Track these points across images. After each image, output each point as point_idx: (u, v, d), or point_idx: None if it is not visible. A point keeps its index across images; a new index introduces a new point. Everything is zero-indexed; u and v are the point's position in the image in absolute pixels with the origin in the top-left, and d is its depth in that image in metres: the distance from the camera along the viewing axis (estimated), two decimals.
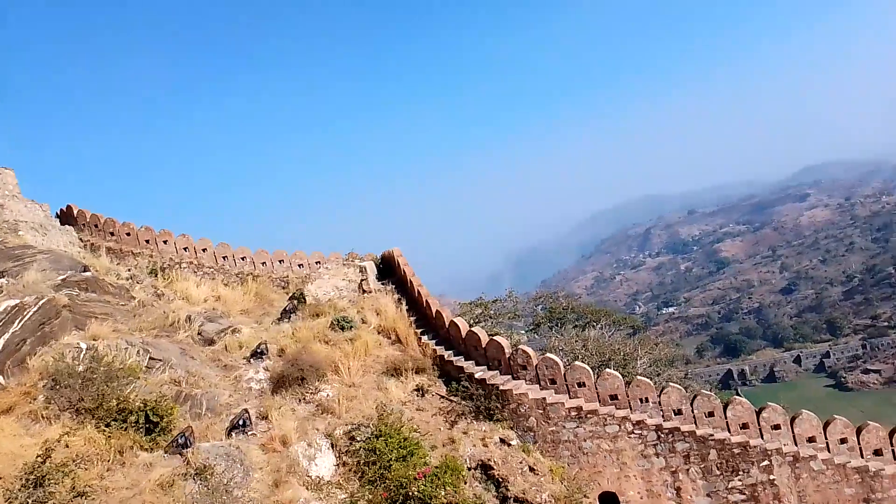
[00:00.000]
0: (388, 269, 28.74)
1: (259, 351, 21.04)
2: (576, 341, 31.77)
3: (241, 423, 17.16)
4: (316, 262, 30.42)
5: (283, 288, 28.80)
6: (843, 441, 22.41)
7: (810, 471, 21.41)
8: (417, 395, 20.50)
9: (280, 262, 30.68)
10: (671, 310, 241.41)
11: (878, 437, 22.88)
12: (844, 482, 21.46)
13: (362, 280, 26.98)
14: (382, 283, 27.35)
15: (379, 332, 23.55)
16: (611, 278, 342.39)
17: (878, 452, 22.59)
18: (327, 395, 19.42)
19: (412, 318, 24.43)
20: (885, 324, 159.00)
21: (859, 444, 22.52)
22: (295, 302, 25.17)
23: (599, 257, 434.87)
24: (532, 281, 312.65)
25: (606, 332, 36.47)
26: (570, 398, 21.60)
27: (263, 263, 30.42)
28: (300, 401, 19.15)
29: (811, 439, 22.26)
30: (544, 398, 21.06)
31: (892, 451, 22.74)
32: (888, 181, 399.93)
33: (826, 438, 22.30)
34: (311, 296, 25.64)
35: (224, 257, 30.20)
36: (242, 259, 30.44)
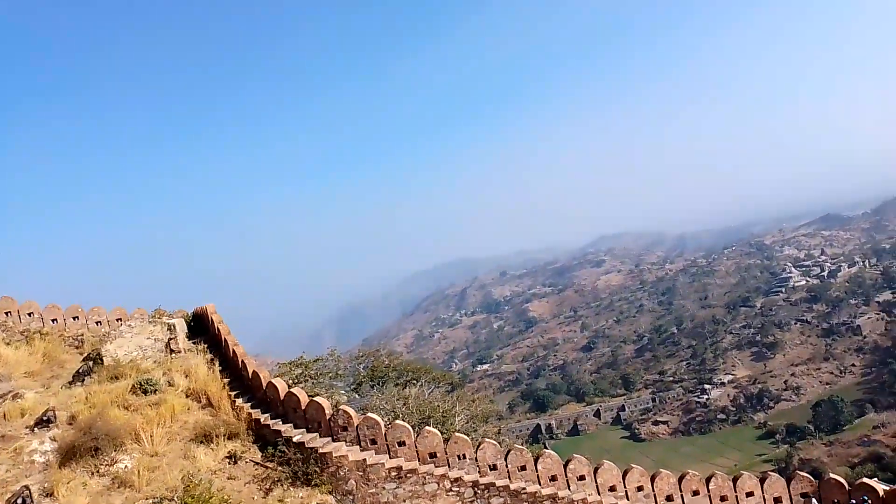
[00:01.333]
0: (201, 328, 27.01)
1: (45, 419, 18.65)
2: (397, 399, 31.71)
3: (19, 502, 14.97)
4: (117, 319, 27.89)
5: (77, 348, 25.96)
6: (639, 489, 24.29)
7: None
8: (230, 463, 19.17)
9: (74, 318, 27.75)
10: (485, 366, 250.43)
11: (669, 483, 25.13)
12: None
13: (170, 339, 25.05)
14: (194, 343, 25.60)
15: (188, 396, 21.87)
16: (430, 336, 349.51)
17: (669, 498, 24.74)
18: (125, 466, 17.56)
19: (226, 380, 23.02)
20: (671, 378, 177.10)
21: (654, 490, 24.54)
22: (90, 363, 22.73)
23: (419, 315, 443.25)
24: (354, 338, 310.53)
25: (426, 389, 36.83)
26: (390, 458, 21.38)
27: (54, 320, 27.32)
28: (93, 474, 17.12)
29: (612, 488, 23.89)
30: (364, 459, 20.66)
31: (682, 496, 25.04)
32: (670, 250, 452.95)
33: (625, 486, 24.05)
34: (109, 356, 23.29)
35: (7, 313, 26.72)
36: (29, 315, 27.13)
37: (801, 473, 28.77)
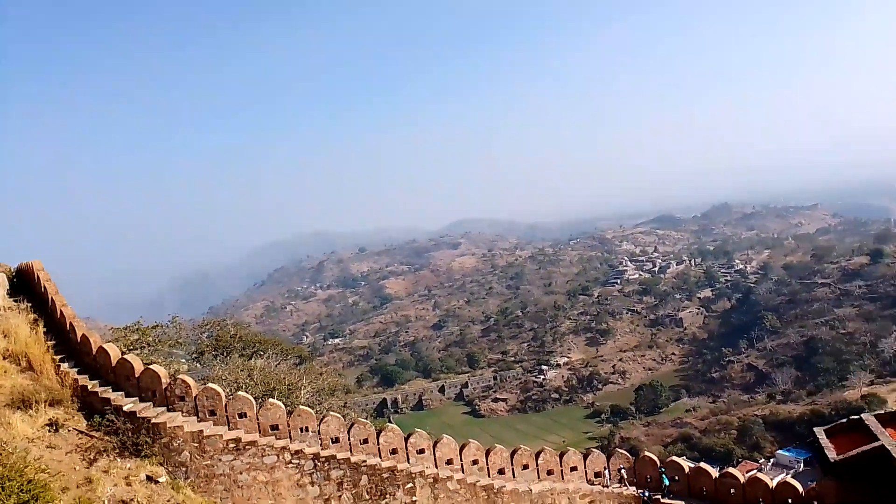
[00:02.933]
0: (25, 286, 24.72)
1: None
2: (241, 371, 30.92)
3: None
4: None
5: None
6: (475, 462, 25.52)
7: (447, 490, 23.83)
8: (50, 431, 17.86)
9: None
10: (337, 341, 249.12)
11: (503, 457, 26.60)
12: (473, 499, 24.35)
13: None
14: (16, 301, 23.40)
15: (5, 358, 20.02)
16: (282, 308, 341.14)
17: (501, 471, 26.20)
18: None
19: (51, 343, 21.30)
20: (513, 359, 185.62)
21: (487, 464, 25.89)
22: None
23: (271, 287, 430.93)
24: (199, 307, 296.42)
25: (273, 361, 36.18)
26: (229, 430, 20.91)
27: None
28: None
29: (450, 461, 24.92)
30: (201, 431, 20.05)
31: (512, 469, 26.60)
32: (521, 238, 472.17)
33: (462, 460, 25.18)
34: None
35: None
36: None
37: (620, 451, 31.56)
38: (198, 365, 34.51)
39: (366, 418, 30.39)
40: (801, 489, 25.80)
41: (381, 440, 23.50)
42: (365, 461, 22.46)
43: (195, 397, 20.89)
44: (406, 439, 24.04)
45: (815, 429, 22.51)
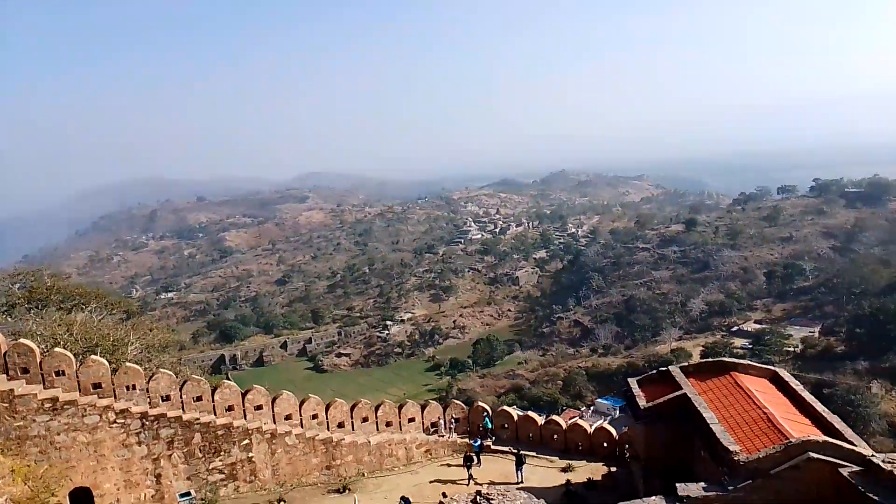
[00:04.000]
0: None
1: None
2: (59, 326, 28.43)
3: None
4: None
5: None
6: (314, 416, 25.56)
7: (285, 445, 23.72)
8: None
9: None
10: (170, 295, 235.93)
11: (342, 411, 26.85)
12: (312, 453, 24.44)
13: None
14: None
15: None
16: (108, 259, 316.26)
17: (341, 425, 26.46)
18: None
19: None
20: (358, 314, 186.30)
21: (327, 418, 26.03)
22: None
23: (96, 235, 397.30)
24: (11, 256, 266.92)
25: (97, 316, 33.62)
26: (45, 388, 19.33)
27: None
28: None
29: (289, 416, 24.76)
30: (12, 390, 18.37)
31: (352, 422, 26.94)
32: (370, 195, 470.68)
33: (301, 415, 25.11)
34: None
35: None
36: None
37: (455, 401, 33.04)
38: (8, 319, 31.29)
39: (201, 375, 29.27)
40: (615, 433, 28.48)
41: (216, 397, 22.83)
42: (198, 419, 21.74)
43: (5, 354, 19.05)
44: (243, 396, 23.54)
45: (629, 379, 24.78)
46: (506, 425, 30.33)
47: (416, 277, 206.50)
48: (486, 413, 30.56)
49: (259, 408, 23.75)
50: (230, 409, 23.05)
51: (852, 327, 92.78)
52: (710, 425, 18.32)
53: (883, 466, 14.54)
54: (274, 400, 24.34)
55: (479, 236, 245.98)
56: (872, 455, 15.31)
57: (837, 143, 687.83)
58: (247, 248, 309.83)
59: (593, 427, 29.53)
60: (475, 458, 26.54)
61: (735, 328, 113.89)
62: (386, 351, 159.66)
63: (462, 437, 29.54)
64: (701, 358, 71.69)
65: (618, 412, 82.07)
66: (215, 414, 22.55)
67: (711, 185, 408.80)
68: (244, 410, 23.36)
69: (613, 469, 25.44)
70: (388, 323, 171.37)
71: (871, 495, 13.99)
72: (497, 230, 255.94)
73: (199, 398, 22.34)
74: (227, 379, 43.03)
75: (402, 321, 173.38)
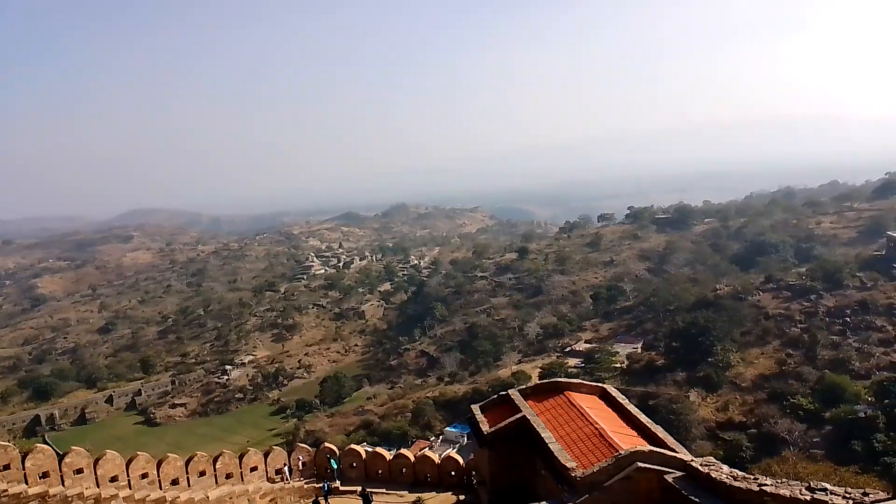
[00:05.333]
0: None
1: None
2: None
3: None
4: None
5: None
6: (144, 476, 23.58)
7: None
8: None
9: None
10: None
11: (176, 466, 25.00)
12: None
13: None
14: None
15: None
16: None
17: (175, 482, 24.61)
18: None
19: None
20: (193, 360, 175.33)
21: (159, 476, 24.11)
22: None
23: None
24: None
25: None
26: None
27: None
28: None
29: (115, 478, 22.65)
30: None
31: (188, 478, 25.15)
32: (204, 232, 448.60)
33: (129, 475, 23.06)
34: None
35: None
36: None
37: (301, 445, 32.06)
38: None
39: (12, 440, 26.19)
40: (462, 461, 29.01)
41: (27, 464, 20.44)
42: (6, 490, 19.32)
43: None
44: (60, 459, 21.26)
45: (472, 406, 25.46)
46: (354, 464, 29.89)
47: (256, 317, 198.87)
48: (329, 455, 29.91)
49: (80, 471, 21.56)
50: (45, 475, 20.73)
51: (669, 342, 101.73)
52: (549, 444, 19.24)
53: (701, 470, 16.03)
54: (97, 461, 22.23)
55: (323, 271, 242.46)
56: (692, 460, 16.84)
57: (645, 173, 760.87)
58: (63, 294, 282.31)
59: (441, 457, 29.90)
60: (324, 502, 25.82)
61: (568, 349, 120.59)
62: (226, 397, 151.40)
63: (309, 482, 28.69)
64: (539, 379, 75.04)
65: (466, 439, 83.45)
66: (27, 482, 20.17)
67: (540, 214, 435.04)
68: (62, 476, 21.11)
69: (462, 497, 25.87)
70: (228, 367, 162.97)
71: (692, 497, 15.35)
72: (341, 264, 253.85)
73: (6, 467, 19.89)
74: (44, 442, 38.75)
75: (243, 364, 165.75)
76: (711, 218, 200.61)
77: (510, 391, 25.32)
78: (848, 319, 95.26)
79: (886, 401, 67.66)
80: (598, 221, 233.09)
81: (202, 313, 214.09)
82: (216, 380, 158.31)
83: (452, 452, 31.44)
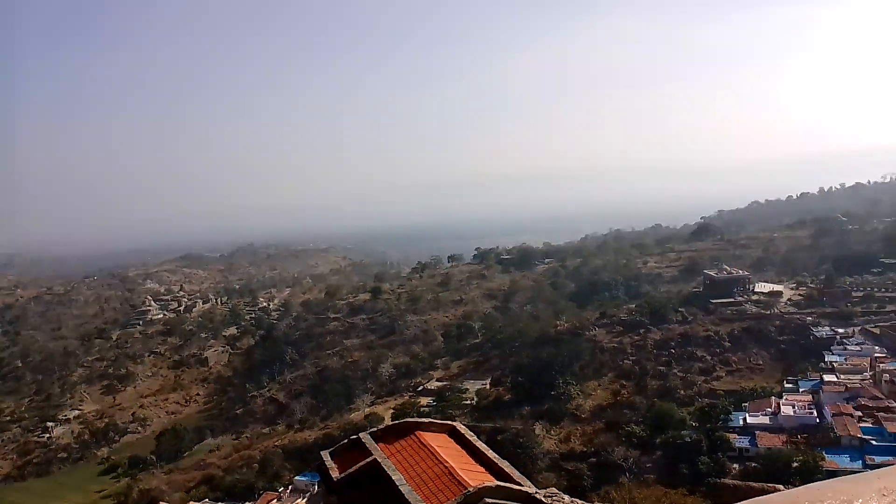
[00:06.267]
0: None
1: None
2: None
3: None
4: None
5: None
6: None
7: None
8: None
9: None
10: None
11: None
12: None
13: None
14: None
15: None
16: None
17: None
18: None
19: None
20: (8, 418, 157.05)
21: None
22: None
23: None
24: None
25: None
26: None
27: None
28: None
29: None
30: None
31: None
32: (22, 274, 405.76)
33: None
34: None
35: None
36: None
37: None
38: None
39: None
40: None
41: None
42: None
43: None
44: None
45: (322, 452, 25.03)
46: None
47: (84, 368, 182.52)
48: None
49: None
50: None
51: (515, 377, 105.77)
52: (399, 487, 19.37)
53: (544, 501, 16.83)
54: None
55: (161, 316, 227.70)
56: (536, 492, 17.65)
57: (492, 215, 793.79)
58: None
59: None
60: None
61: (421, 388, 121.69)
62: (47, 458, 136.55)
63: None
64: (392, 420, 75.02)
65: (316, 487, 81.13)
66: None
67: (392, 254, 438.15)
68: None
69: None
70: (50, 424, 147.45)
71: None
72: (182, 308, 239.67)
73: None
74: None
75: (68, 420, 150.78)
76: (551, 258, 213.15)
77: (361, 434, 25.17)
78: (673, 351, 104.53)
79: (708, 425, 74.43)
80: (448, 262, 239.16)
81: (20, 365, 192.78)
82: (35, 438, 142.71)
83: (302, 502, 30.55)
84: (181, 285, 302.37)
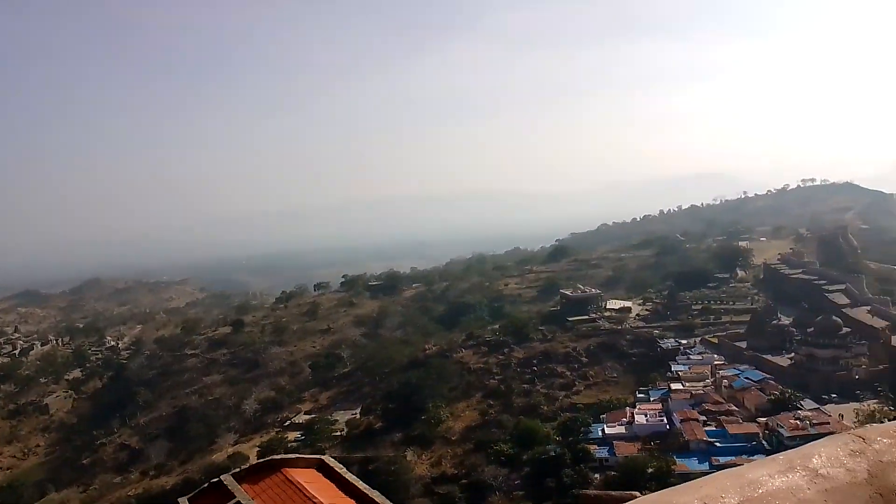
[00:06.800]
0: None
1: None
2: None
3: None
4: None
5: None
6: None
7: None
8: None
9: None
10: None
11: None
12: None
13: None
14: None
15: None
16: None
17: None
18: None
19: None
20: None
21: None
22: None
23: None
24: None
25: None
26: None
27: None
28: None
29: None
30: None
31: None
32: None
33: None
34: None
35: None
36: None
37: None
38: None
39: None
40: None
41: None
42: None
43: None
44: None
45: (179, 499, 23.57)
46: None
47: None
48: None
49: None
50: None
51: (386, 404, 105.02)
52: None
53: None
54: None
55: None
56: None
57: (359, 243, 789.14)
58: None
59: None
60: None
61: (288, 422, 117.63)
62: None
63: None
64: (258, 458, 71.88)
65: None
66: None
67: (255, 284, 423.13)
68: None
69: None
70: None
71: None
72: (17, 352, 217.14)
73: None
74: None
75: None
76: (418, 283, 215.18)
77: (223, 476, 23.96)
78: (535, 368, 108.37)
79: (570, 438, 77.63)
80: (315, 290, 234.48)
81: None
82: None
83: None
84: (16, 326, 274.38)
